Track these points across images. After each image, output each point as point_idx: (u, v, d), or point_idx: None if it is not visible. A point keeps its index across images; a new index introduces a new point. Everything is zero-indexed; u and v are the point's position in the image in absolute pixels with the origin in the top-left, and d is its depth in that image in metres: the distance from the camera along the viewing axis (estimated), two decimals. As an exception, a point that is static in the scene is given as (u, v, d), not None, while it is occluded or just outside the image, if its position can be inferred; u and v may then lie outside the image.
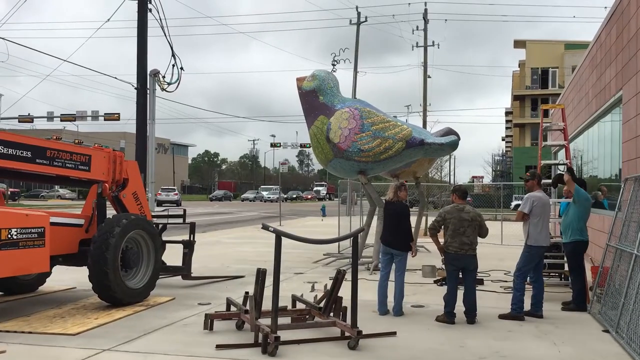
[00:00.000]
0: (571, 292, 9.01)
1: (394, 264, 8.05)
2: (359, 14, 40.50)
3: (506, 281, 10.97)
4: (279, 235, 5.87)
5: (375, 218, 12.92)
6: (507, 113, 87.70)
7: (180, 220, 10.54)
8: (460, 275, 7.57)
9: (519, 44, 70.72)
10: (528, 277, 8.00)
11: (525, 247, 7.87)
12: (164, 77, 18.34)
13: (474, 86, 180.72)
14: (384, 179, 25.85)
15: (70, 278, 10.43)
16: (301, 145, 61.59)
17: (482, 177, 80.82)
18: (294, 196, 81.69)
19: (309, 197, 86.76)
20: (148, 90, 17.50)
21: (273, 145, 58.59)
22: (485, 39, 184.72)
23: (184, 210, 10.65)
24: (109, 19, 17.48)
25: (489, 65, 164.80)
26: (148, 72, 17.48)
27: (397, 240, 7.91)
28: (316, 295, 9.24)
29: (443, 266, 11.66)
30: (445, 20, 48.16)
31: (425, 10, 43.29)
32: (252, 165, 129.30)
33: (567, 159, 9.47)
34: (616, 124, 11.43)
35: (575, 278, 8.22)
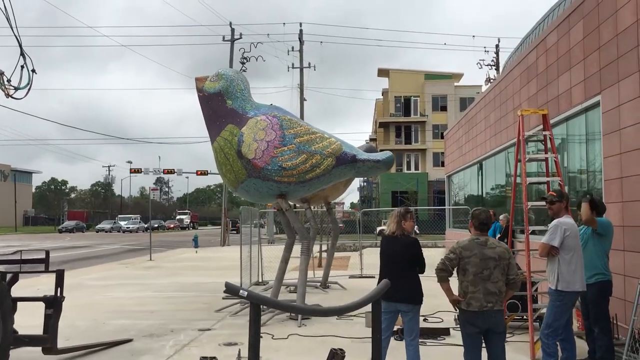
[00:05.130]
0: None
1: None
2: (232, 30, 37.98)
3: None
4: (257, 304, 3.22)
5: (296, 250, 10.43)
6: (371, 140, 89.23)
7: (42, 267, 7.30)
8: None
9: (382, 72, 72.24)
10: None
11: (554, 295, 5.79)
12: (9, 80, 14.47)
13: (336, 112, 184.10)
14: (260, 205, 23.26)
15: None
16: (164, 171, 57.31)
17: (343, 204, 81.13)
18: (156, 225, 76.24)
19: (172, 226, 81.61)
20: (-12, 96, 13.60)
21: (134, 171, 53.68)
22: (350, 67, 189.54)
23: (47, 253, 7.42)
24: None
25: (353, 89, 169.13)
26: (-12, 73, 13.59)
27: (405, 290, 5.55)
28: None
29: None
30: (321, 42, 47.06)
31: (301, 30, 41.99)
32: (105, 193, 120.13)
33: (558, 175, 7.68)
34: (574, 136, 10.01)
35: (602, 330, 6.29)
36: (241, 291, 3.19)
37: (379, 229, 50.88)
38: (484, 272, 5.08)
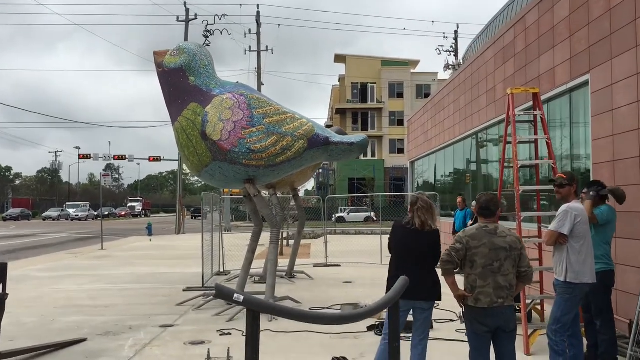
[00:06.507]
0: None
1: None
2: (187, 10, 36.55)
3: (452, 320, 8.44)
4: (255, 310, 2.53)
5: (264, 238, 9.74)
6: (327, 126, 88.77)
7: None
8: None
9: (339, 58, 71.69)
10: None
11: (562, 287, 5.28)
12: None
13: (292, 97, 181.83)
14: (215, 189, 22.26)
15: None
16: (115, 157, 55.34)
17: (299, 190, 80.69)
18: (107, 213, 73.94)
19: (123, 213, 79.37)
20: None
21: (83, 156, 51.62)
22: (307, 52, 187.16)
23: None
24: None
25: (310, 74, 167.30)
26: None
27: (425, 286, 4.95)
28: (228, 376, 5.85)
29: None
30: (279, 25, 46.38)
31: (258, 12, 40.89)
32: (52, 179, 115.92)
33: (550, 158, 7.22)
34: (557, 119, 9.61)
35: (605, 323, 5.86)
36: (236, 295, 2.50)
37: (337, 215, 50.53)
38: (494, 264, 4.52)
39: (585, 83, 8.32)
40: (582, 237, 5.23)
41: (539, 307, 7.86)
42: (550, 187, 6.68)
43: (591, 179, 7.97)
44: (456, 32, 45.80)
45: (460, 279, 4.63)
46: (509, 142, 7.50)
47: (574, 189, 5.44)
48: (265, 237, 10.45)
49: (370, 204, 54.92)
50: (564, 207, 5.34)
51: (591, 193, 5.92)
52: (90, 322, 8.79)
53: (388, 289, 5.26)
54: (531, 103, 9.50)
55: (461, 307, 4.74)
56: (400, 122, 63.22)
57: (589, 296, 5.91)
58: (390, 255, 5.43)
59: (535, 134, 7.64)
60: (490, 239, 4.56)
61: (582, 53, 8.36)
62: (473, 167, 15.11)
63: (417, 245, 5.06)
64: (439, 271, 4.93)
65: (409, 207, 5.26)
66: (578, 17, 8.50)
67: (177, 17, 36.67)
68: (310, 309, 9.38)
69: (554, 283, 5.43)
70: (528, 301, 6.94)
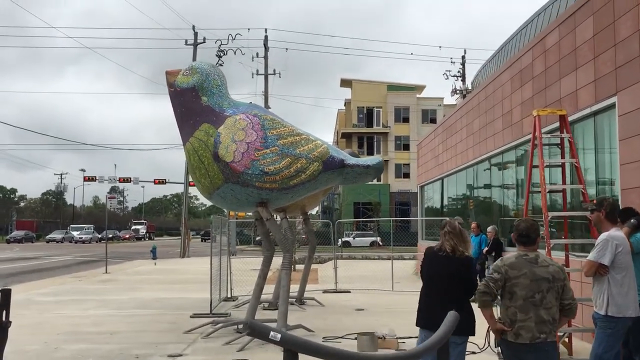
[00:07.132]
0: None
1: None
2: (195, 34, 36.64)
3: (474, 352, 8.03)
4: (294, 352, 2.22)
5: (274, 262, 9.40)
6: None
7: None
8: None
9: (345, 83, 71.86)
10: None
11: (603, 322, 4.95)
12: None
13: (297, 121, 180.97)
14: (220, 211, 21.97)
15: None
16: (120, 180, 55.23)
17: (309, 213, 79.99)
18: (110, 236, 73.50)
19: (127, 236, 79.00)
20: None
21: (88, 179, 51.58)
22: (313, 76, 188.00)
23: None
24: None
25: (316, 97, 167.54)
26: None
27: (462, 318, 4.59)
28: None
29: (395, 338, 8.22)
30: (286, 49, 46.87)
31: (266, 37, 41.02)
32: (57, 202, 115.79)
33: (580, 183, 6.91)
34: (580, 142, 9.31)
35: (647, 359, 5.49)
36: (272, 334, 2.18)
37: (342, 240, 50.03)
38: (536, 295, 4.19)
39: (612, 106, 8.05)
40: (624, 267, 4.90)
41: (566, 340, 7.49)
42: (578, 213, 6.39)
43: (620, 206, 7.65)
44: (463, 57, 45.86)
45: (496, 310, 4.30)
46: (535, 166, 7.20)
47: (604, 215, 5.12)
48: (276, 262, 10.14)
49: (376, 229, 54.47)
50: (603, 235, 5.02)
51: (632, 220, 5.61)
52: (95, 350, 8.43)
53: (418, 318, 4.91)
54: (551, 126, 9.26)
55: (497, 339, 4.39)
56: (406, 147, 63.01)
57: (628, 330, 5.56)
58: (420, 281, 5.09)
59: (562, 157, 7.34)
60: (530, 269, 4.23)
61: (608, 75, 8.10)
62: (486, 192, 14.80)
63: (448, 272, 4.71)
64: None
65: (440, 232, 4.94)
66: (603, 38, 8.26)
67: (186, 41, 36.75)
68: (323, 338, 9.01)
69: (593, 316, 5.09)
70: (560, 334, 6.57)
